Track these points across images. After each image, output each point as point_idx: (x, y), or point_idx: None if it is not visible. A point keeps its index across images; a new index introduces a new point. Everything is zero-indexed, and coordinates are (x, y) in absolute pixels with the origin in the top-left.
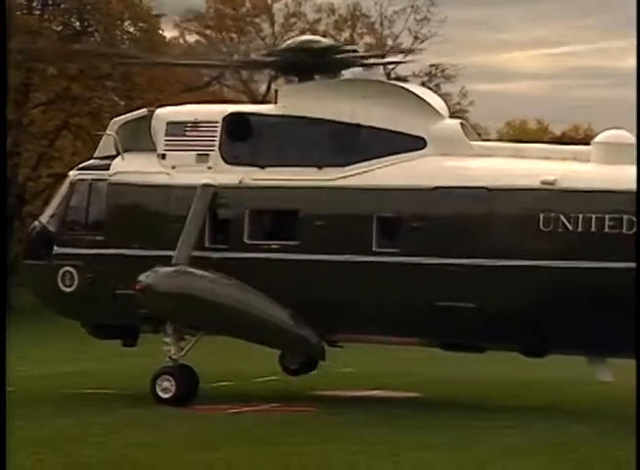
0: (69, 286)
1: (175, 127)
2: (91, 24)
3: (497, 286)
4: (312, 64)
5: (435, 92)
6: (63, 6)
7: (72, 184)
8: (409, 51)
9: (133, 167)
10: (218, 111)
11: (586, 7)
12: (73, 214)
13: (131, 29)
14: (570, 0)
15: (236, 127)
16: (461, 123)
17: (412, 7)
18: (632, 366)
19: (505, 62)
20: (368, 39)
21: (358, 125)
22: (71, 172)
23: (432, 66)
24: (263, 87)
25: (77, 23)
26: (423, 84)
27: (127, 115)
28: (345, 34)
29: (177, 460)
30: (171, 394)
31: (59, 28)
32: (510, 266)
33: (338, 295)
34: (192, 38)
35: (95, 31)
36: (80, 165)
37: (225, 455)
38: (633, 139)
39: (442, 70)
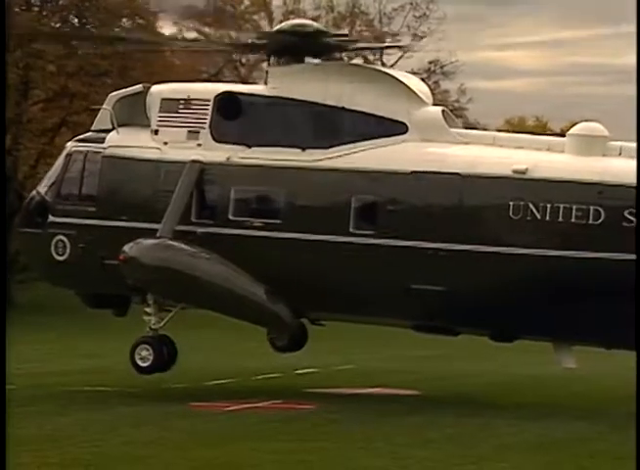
0: (62, 254)
1: (169, 104)
2: (89, 21)
3: (467, 270)
4: (303, 47)
5: (434, 89)
6: (61, 2)
7: (69, 155)
8: (408, 45)
9: (127, 142)
10: (211, 89)
11: (586, 3)
12: (68, 185)
13: (129, 25)
14: None
15: (226, 106)
16: (442, 111)
17: (411, 4)
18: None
19: (503, 59)
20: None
21: (343, 109)
22: (69, 144)
23: (430, 62)
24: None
25: (76, 20)
26: (422, 81)
27: (123, 90)
28: (344, 31)
29: (177, 458)
30: (149, 362)
31: (57, 25)
32: (479, 252)
33: (315, 274)
34: (190, 35)
35: (93, 28)
36: (77, 137)
37: (224, 453)
38: (606, 132)
39: (441, 67)
